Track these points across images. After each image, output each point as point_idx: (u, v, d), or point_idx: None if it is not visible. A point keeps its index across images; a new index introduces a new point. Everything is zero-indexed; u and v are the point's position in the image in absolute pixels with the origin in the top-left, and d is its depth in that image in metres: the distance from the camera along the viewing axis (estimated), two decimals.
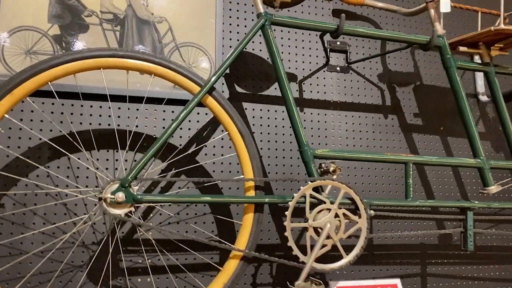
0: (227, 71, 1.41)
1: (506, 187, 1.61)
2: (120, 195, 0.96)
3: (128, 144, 1.26)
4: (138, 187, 1.04)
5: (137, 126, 1.29)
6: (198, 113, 1.36)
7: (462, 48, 1.34)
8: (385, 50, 1.59)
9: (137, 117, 1.29)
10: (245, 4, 1.45)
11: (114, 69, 1.04)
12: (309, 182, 1.10)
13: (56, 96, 1.23)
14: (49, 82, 0.99)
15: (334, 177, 1.18)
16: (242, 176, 1.12)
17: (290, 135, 1.45)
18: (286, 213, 1.07)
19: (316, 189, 1.14)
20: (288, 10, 1.49)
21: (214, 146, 1.36)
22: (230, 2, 1.44)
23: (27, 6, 1.23)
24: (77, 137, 1.23)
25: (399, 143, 1.57)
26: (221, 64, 1.12)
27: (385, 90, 1.58)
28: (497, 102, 1.35)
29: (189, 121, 1.35)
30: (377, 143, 1.55)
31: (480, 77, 1.68)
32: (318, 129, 1.48)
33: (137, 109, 1.30)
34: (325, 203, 1.11)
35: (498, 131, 1.71)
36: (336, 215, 1.12)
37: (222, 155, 1.36)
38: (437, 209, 1.56)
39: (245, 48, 1.44)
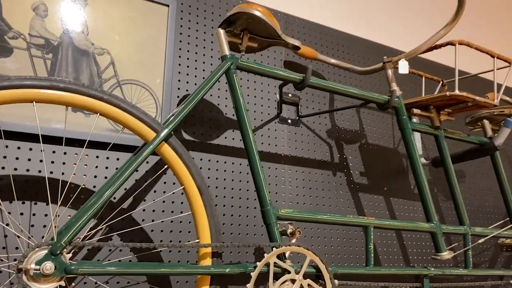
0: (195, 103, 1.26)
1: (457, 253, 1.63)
2: (48, 266, 0.74)
3: (60, 196, 1.02)
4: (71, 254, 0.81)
5: (74, 174, 1.06)
6: (147, 162, 1.17)
7: (415, 111, 1.35)
8: (333, 107, 1.56)
9: (64, 163, 1.07)
10: (200, 45, 1.33)
11: (52, 103, 0.84)
12: (274, 249, 0.97)
13: None
14: None
15: (293, 240, 1.06)
16: (197, 241, 0.95)
17: (240, 190, 1.31)
18: (248, 285, 0.92)
19: (279, 257, 1.01)
20: (248, 58, 1.40)
21: (153, 201, 1.17)
22: (181, 42, 1.31)
23: None
24: None
25: (346, 202, 1.51)
26: (179, 109, 0.97)
27: (334, 147, 1.53)
28: (446, 166, 1.36)
29: (137, 171, 1.15)
30: (326, 201, 1.47)
31: (418, 139, 1.72)
32: (269, 184, 1.37)
33: (75, 154, 1.08)
34: (289, 272, 0.98)
35: (434, 193, 1.75)
36: (302, 287, 0.99)
37: (172, 211, 1.18)
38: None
39: (210, 94, 1.31)
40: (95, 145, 1.11)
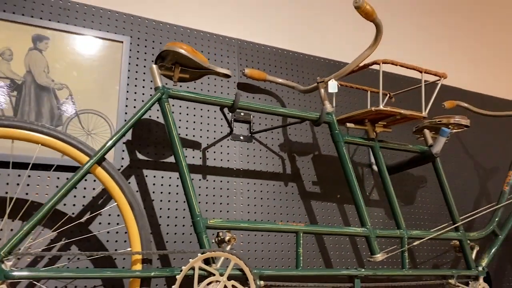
0: (129, 137, 1.42)
1: (392, 254, 1.72)
2: None
3: (7, 212, 1.21)
4: (16, 261, 0.98)
5: (27, 194, 1.24)
6: (94, 181, 1.34)
7: (349, 125, 1.47)
8: (286, 122, 1.69)
9: (18, 184, 1.25)
10: (148, 77, 1.50)
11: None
12: (199, 254, 1.11)
13: None
14: None
15: (229, 247, 1.20)
16: (129, 249, 1.10)
17: (184, 201, 1.46)
18: (173, 287, 1.06)
19: (207, 261, 1.15)
20: (195, 82, 1.56)
21: (109, 215, 1.34)
22: (132, 72, 1.48)
23: None
24: None
25: (298, 210, 1.64)
26: (111, 137, 1.13)
27: (286, 159, 1.66)
28: (382, 173, 1.47)
29: (84, 188, 1.32)
30: (278, 210, 1.60)
31: None
32: (221, 196, 1.52)
33: (18, 175, 1.26)
34: (214, 275, 1.12)
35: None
36: (226, 287, 1.13)
37: (117, 223, 1.34)
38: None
39: (143, 118, 1.47)
40: (40, 167, 1.28)
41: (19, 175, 1.25)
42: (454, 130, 1.56)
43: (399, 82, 2.01)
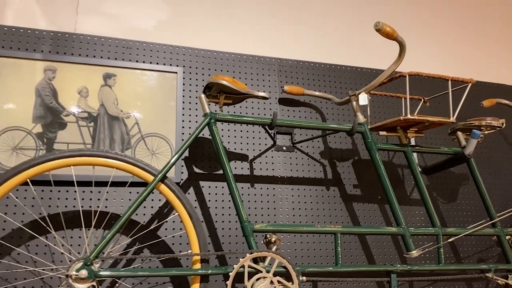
0: (186, 154, 1.65)
1: (427, 250, 1.82)
2: (83, 273, 1.16)
3: (93, 223, 1.48)
4: (103, 263, 1.23)
5: (106, 207, 1.51)
6: (159, 193, 1.58)
7: (381, 133, 1.59)
8: (325, 132, 1.84)
9: (98, 199, 1.51)
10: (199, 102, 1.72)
11: (82, 165, 1.27)
12: (248, 255, 1.31)
13: (30, 184, 1.45)
14: (28, 180, 1.22)
15: (275, 247, 1.39)
16: (190, 251, 1.32)
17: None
18: (227, 282, 1.27)
19: (255, 260, 1.34)
20: (240, 106, 1.75)
21: (173, 221, 1.57)
22: (190, 97, 1.71)
23: (15, 109, 1.48)
24: (48, 220, 1.44)
25: (340, 212, 1.78)
26: (170, 158, 1.35)
27: (327, 165, 1.82)
28: (415, 176, 1.58)
29: (152, 200, 1.57)
30: (321, 212, 1.76)
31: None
32: (268, 201, 1.70)
33: (107, 192, 1.52)
34: (261, 272, 1.31)
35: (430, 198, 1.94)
36: (272, 282, 1.31)
37: (180, 229, 1.57)
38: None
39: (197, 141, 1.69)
40: (117, 184, 1.54)
41: (99, 192, 1.51)
42: (486, 132, 1.63)
43: (433, 83, 2.08)
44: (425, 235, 1.52)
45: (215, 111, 1.73)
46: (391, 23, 2.16)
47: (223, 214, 1.64)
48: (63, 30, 1.66)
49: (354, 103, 1.59)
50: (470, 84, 1.54)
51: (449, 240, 1.53)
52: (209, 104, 1.72)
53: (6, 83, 1.49)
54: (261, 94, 1.46)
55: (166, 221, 1.57)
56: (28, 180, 1.22)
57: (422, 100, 1.80)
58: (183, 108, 1.69)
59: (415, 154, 1.92)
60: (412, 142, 1.88)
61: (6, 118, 1.47)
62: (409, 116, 1.48)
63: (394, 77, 1.53)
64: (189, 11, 1.84)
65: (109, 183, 1.51)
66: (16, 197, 1.43)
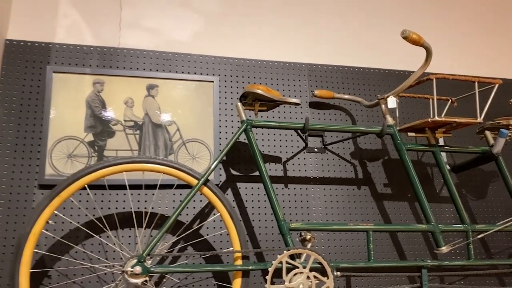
0: (224, 158, 1.76)
1: (457, 246, 1.86)
2: (137, 269, 1.29)
3: (145, 223, 1.61)
4: (152, 259, 1.36)
5: (152, 208, 1.64)
6: (200, 194, 1.70)
7: (410, 134, 1.66)
8: (355, 134, 1.92)
9: (146, 201, 1.64)
10: (234, 109, 1.83)
11: (133, 171, 1.40)
12: (285, 251, 1.41)
13: (88, 189, 1.60)
14: (86, 185, 1.35)
15: (310, 244, 1.48)
16: (231, 249, 1.43)
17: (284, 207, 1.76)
18: (267, 277, 1.37)
19: (292, 256, 1.44)
20: (273, 111, 1.85)
21: (214, 221, 1.69)
22: (225, 104, 1.82)
23: (68, 120, 1.63)
24: (104, 220, 1.58)
25: (371, 210, 1.86)
26: (212, 162, 1.46)
27: (357, 166, 1.89)
28: (444, 176, 1.64)
29: (194, 200, 1.69)
30: (353, 211, 1.84)
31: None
32: (301, 201, 1.80)
33: (153, 194, 1.65)
34: (298, 267, 1.41)
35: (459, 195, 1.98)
36: (308, 277, 1.41)
37: (220, 227, 1.69)
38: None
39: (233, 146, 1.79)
40: (165, 186, 1.66)
41: (145, 194, 1.65)
42: None
43: (460, 83, 2.12)
44: (455, 231, 1.58)
45: (249, 116, 1.83)
46: (418, 24, 2.21)
47: (259, 213, 1.74)
48: (108, 45, 1.79)
49: (383, 106, 1.66)
50: (496, 85, 1.58)
51: (479, 236, 1.59)
52: (245, 111, 1.82)
53: (60, 96, 1.64)
54: (294, 100, 1.55)
55: (208, 221, 1.68)
56: (86, 185, 1.36)
57: (450, 100, 1.85)
58: (220, 114, 1.80)
59: (443, 153, 1.97)
60: (441, 141, 1.93)
61: (61, 128, 1.61)
62: (437, 118, 1.54)
63: (421, 80, 1.59)
64: (222, 22, 1.95)
65: (158, 186, 1.63)
66: (72, 200, 1.58)
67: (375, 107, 1.80)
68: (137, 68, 1.77)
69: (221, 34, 1.93)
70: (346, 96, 1.86)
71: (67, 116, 1.63)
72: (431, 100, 1.82)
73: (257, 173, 1.78)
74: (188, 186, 1.69)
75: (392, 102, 1.61)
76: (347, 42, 2.08)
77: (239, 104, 1.53)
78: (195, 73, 1.82)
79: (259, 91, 1.49)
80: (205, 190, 1.44)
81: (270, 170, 1.80)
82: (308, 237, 1.50)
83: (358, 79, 2.00)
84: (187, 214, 1.67)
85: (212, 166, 1.45)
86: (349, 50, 2.08)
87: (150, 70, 1.78)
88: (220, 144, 1.77)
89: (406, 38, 1.38)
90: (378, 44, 2.12)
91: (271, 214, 1.75)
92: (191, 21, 1.92)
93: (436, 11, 2.27)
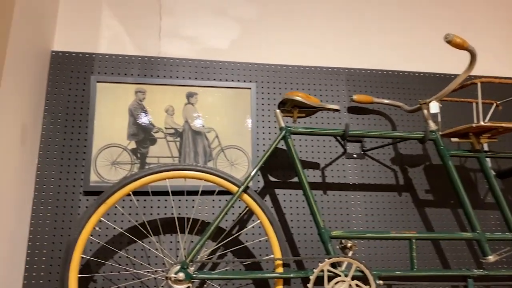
0: (262, 164, 1.77)
1: (505, 255, 1.79)
2: (181, 275, 1.31)
3: (187, 229, 1.63)
4: (194, 266, 1.38)
5: (192, 213, 1.66)
6: (239, 200, 1.71)
7: (454, 139, 1.61)
8: (395, 140, 1.88)
9: (187, 207, 1.67)
10: (271, 115, 1.83)
11: (176, 178, 1.42)
12: (326, 260, 1.40)
13: (132, 195, 1.64)
14: (130, 192, 1.39)
15: (351, 253, 1.47)
16: (272, 256, 1.43)
17: (310, 213, 1.75)
18: (308, 285, 1.36)
19: (333, 265, 1.42)
20: (310, 117, 1.84)
21: (253, 227, 1.69)
22: (262, 110, 1.82)
23: (112, 128, 1.68)
24: (147, 225, 1.62)
25: (413, 217, 1.82)
26: (252, 169, 1.47)
27: (398, 172, 1.86)
28: (490, 182, 1.58)
29: (233, 207, 1.70)
30: (394, 218, 1.80)
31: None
32: (340, 208, 1.78)
33: (193, 200, 1.68)
34: (340, 276, 1.39)
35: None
36: (350, 286, 1.39)
37: (260, 234, 1.69)
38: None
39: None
40: (205, 193, 1.68)
41: (186, 200, 1.67)
42: None
43: (505, 85, 2.04)
44: (503, 240, 1.53)
45: (286, 122, 1.83)
46: (462, 25, 2.15)
47: (298, 220, 1.74)
48: (149, 54, 1.83)
49: (425, 111, 1.62)
50: None
51: None
52: (284, 118, 1.82)
53: (104, 105, 1.69)
54: (333, 106, 1.54)
55: (248, 228, 1.69)
56: (131, 192, 1.39)
57: (494, 104, 1.79)
58: (257, 121, 1.81)
59: (488, 158, 1.91)
60: (485, 147, 1.87)
61: (105, 136, 1.66)
62: (481, 123, 1.49)
63: (465, 84, 1.55)
64: (258, 28, 1.96)
65: (199, 193, 1.65)
66: (116, 206, 1.62)
67: (416, 112, 1.76)
68: (177, 77, 1.80)
69: (258, 41, 1.94)
70: (386, 101, 1.83)
71: (111, 124, 1.68)
72: (474, 104, 1.77)
73: (295, 180, 1.77)
74: (228, 192, 1.70)
75: (435, 107, 1.57)
76: (385, 45, 2.05)
77: (278, 111, 1.54)
78: (232, 80, 1.84)
79: (298, 98, 1.48)
80: (245, 197, 1.45)
81: (308, 176, 1.79)
82: (349, 245, 1.48)
83: (398, 83, 1.97)
84: (226, 220, 1.69)
85: (252, 173, 1.45)
86: (388, 53, 2.04)
87: (190, 78, 1.81)
88: (257, 150, 1.77)
89: (450, 42, 1.35)
90: (418, 48, 2.08)
91: (310, 221, 1.74)
92: (228, 28, 1.94)
93: (476, 13, 2.20)
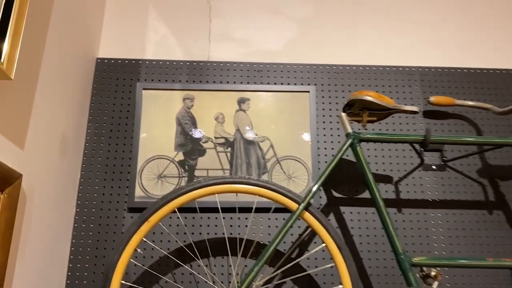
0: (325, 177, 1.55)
1: None
2: None
3: (240, 252, 1.44)
4: None
5: (244, 233, 1.46)
6: (298, 219, 1.50)
7: None
8: (482, 148, 1.59)
9: (239, 225, 1.47)
10: (333, 121, 1.61)
11: (226, 193, 1.24)
12: None
13: (177, 212, 1.47)
14: (175, 209, 1.22)
15: (436, 283, 1.20)
16: (340, 287, 1.20)
17: (382, 236, 1.49)
18: None
19: None
20: (380, 123, 1.60)
21: (315, 251, 1.47)
22: (323, 116, 1.61)
23: (158, 139, 1.53)
24: (195, 247, 1.44)
25: (508, 240, 1.51)
26: (312, 184, 1.26)
27: (487, 185, 1.56)
28: None
29: (291, 227, 1.49)
30: (484, 241, 1.51)
31: None
32: (419, 228, 1.51)
33: (246, 218, 1.48)
34: None
35: None
36: None
37: (323, 259, 1.46)
38: None
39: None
40: (260, 210, 1.48)
41: (239, 218, 1.48)
42: None
43: None
44: None
45: (354, 129, 1.60)
46: None
47: (368, 243, 1.49)
48: (198, 58, 1.69)
49: None
50: None
51: None
52: (351, 123, 1.60)
53: (150, 114, 1.55)
54: (411, 108, 1.30)
55: (308, 250, 1.47)
56: (176, 209, 1.22)
57: None
58: (317, 128, 1.60)
59: None
60: None
61: (152, 147, 1.52)
62: None
63: None
64: (316, 27, 1.76)
65: (253, 210, 1.46)
66: (161, 225, 1.46)
67: (508, 114, 1.47)
68: (227, 82, 1.64)
69: (316, 41, 1.74)
70: (471, 103, 1.55)
71: (157, 134, 1.54)
72: None
73: (363, 195, 1.53)
74: (285, 209, 1.50)
75: None
76: (464, 41, 1.78)
77: (343, 114, 1.32)
78: (288, 83, 1.65)
79: (369, 98, 1.26)
80: (307, 215, 1.23)
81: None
82: (433, 273, 1.22)
83: (481, 83, 1.68)
84: (284, 242, 1.48)
85: (314, 188, 1.24)
86: (468, 49, 1.77)
87: (241, 82, 1.64)
88: (318, 162, 1.55)
89: None
90: (502, 42, 1.78)
91: (383, 244, 1.49)
92: (283, 28, 1.75)
93: None
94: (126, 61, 1.65)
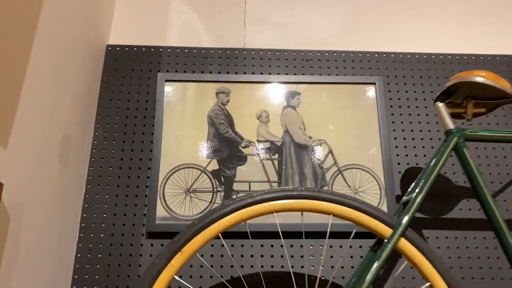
0: (398, 192, 1.20)
1: None
2: None
3: None
4: None
5: (312, 267, 1.10)
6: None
7: None
8: None
9: (302, 256, 1.11)
10: (411, 117, 1.27)
11: (288, 211, 0.89)
12: None
13: (221, 237, 1.12)
14: (219, 234, 0.87)
15: None
16: None
17: (490, 268, 1.14)
18: None
19: None
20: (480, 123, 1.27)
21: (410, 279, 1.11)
22: (392, 115, 1.27)
23: (185, 144, 1.19)
24: (244, 282, 1.08)
25: None
26: (413, 198, 0.91)
27: None
28: None
29: (387, 260, 1.13)
30: None
31: None
32: None
33: (311, 246, 1.13)
34: None
35: None
36: None
37: None
38: None
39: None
40: (334, 235, 1.13)
41: (301, 246, 1.13)
42: None
43: None
44: None
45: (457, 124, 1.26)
46: None
47: (472, 278, 1.13)
48: (232, 46, 1.37)
49: None
50: None
51: None
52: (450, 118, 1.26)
53: (174, 112, 1.22)
54: None
55: None
56: (219, 234, 0.87)
57: None
58: (388, 128, 1.26)
59: None
60: None
61: (177, 154, 1.18)
62: None
63: None
64: (376, 8, 1.44)
65: (328, 235, 1.10)
66: (197, 255, 1.11)
67: None
68: (270, 73, 1.31)
69: (378, 24, 1.42)
70: None
71: (184, 138, 1.20)
72: None
73: (452, 215, 1.18)
74: (366, 234, 1.14)
75: None
76: None
77: (441, 105, 0.98)
78: (345, 74, 1.32)
79: (481, 80, 0.92)
80: (404, 244, 0.88)
81: (470, 210, 1.20)
82: None
83: None
84: None
85: (415, 203, 0.89)
86: None
87: (286, 74, 1.31)
88: (392, 171, 1.21)
89: None
90: None
91: (501, 279, 1.13)
92: (334, 10, 1.44)
93: None
94: (143, 49, 1.32)
